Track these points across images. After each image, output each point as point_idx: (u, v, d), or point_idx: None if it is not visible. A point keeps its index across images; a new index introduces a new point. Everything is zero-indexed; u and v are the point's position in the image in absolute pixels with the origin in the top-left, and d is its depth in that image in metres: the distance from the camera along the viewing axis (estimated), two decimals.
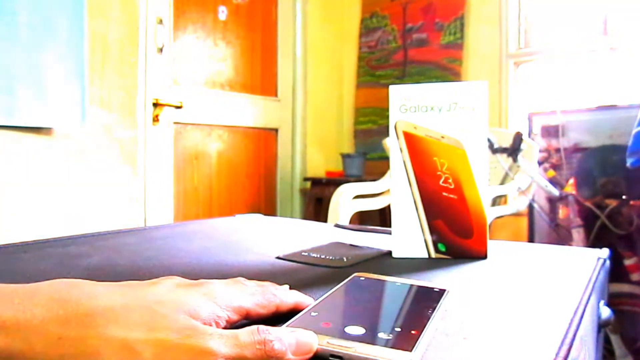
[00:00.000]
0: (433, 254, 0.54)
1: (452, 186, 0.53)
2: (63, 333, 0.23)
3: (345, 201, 1.79)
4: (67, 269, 0.47)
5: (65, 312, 0.23)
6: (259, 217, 0.86)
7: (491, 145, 1.55)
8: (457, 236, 0.53)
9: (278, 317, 0.31)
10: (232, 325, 0.28)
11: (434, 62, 2.47)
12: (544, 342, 0.30)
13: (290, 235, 0.70)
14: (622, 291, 1.44)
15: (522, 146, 1.52)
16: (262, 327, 0.25)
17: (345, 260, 0.52)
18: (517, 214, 1.76)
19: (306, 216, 2.50)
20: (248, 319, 0.30)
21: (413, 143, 0.53)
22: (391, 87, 0.54)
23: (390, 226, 0.55)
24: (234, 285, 0.31)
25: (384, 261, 0.53)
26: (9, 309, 0.23)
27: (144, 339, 0.23)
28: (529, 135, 1.75)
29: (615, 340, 1.40)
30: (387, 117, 0.53)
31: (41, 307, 0.23)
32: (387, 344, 0.27)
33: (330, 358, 0.26)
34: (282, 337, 0.25)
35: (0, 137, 1.33)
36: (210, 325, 0.26)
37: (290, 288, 0.38)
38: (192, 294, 0.28)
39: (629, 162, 1.29)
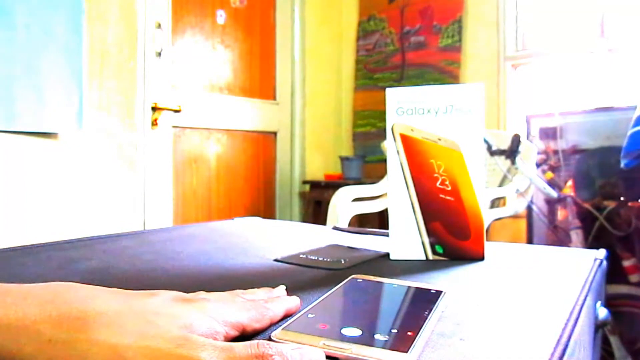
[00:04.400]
0: (430, 256, 0.54)
1: (449, 188, 0.53)
2: (54, 335, 0.22)
3: (344, 204, 1.79)
4: (66, 273, 0.47)
5: (58, 314, 0.23)
6: (257, 220, 0.87)
7: (489, 147, 1.55)
8: (455, 238, 0.53)
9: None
10: (230, 341, 0.28)
11: (432, 65, 2.47)
12: (540, 342, 0.30)
13: (288, 238, 0.70)
14: (621, 292, 1.44)
15: (520, 148, 1.52)
16: (262, 341, 0.25)
17: (343, 262, 0.52)
18: (515, 216, 1.76)
19: (305, 219, 2.50)
20: (244, 334, 0.30)
21: (410, 145, 0.53)
22: (388, 90, 0.54)
23: (388, 228, 0.56)
24: (230, 299, 0.31)
25: (381, 263, 0.53)
26: (0, 308, 0.23)
27: (135, 346, 0.23)
28: (527, 137, 1.76)
29: (614, 341, 1.40)
30: (385, 119, 0.54)
31: (34, 308, 0.23)
32: (383, 345, 0.27)
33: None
34: (283, 351, 0.24)
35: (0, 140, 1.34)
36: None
37: (288, 290, 0.38)
38: (189, 308, 0.27)
39: (623, 162, 1.29)
